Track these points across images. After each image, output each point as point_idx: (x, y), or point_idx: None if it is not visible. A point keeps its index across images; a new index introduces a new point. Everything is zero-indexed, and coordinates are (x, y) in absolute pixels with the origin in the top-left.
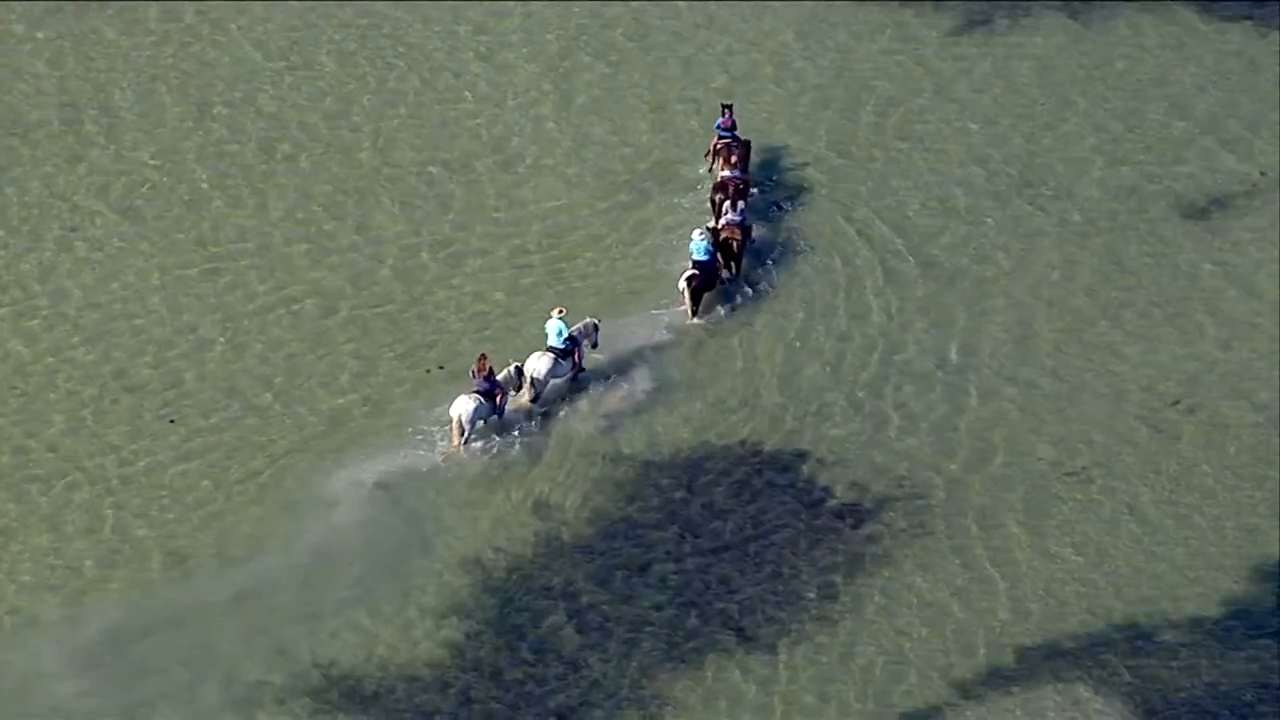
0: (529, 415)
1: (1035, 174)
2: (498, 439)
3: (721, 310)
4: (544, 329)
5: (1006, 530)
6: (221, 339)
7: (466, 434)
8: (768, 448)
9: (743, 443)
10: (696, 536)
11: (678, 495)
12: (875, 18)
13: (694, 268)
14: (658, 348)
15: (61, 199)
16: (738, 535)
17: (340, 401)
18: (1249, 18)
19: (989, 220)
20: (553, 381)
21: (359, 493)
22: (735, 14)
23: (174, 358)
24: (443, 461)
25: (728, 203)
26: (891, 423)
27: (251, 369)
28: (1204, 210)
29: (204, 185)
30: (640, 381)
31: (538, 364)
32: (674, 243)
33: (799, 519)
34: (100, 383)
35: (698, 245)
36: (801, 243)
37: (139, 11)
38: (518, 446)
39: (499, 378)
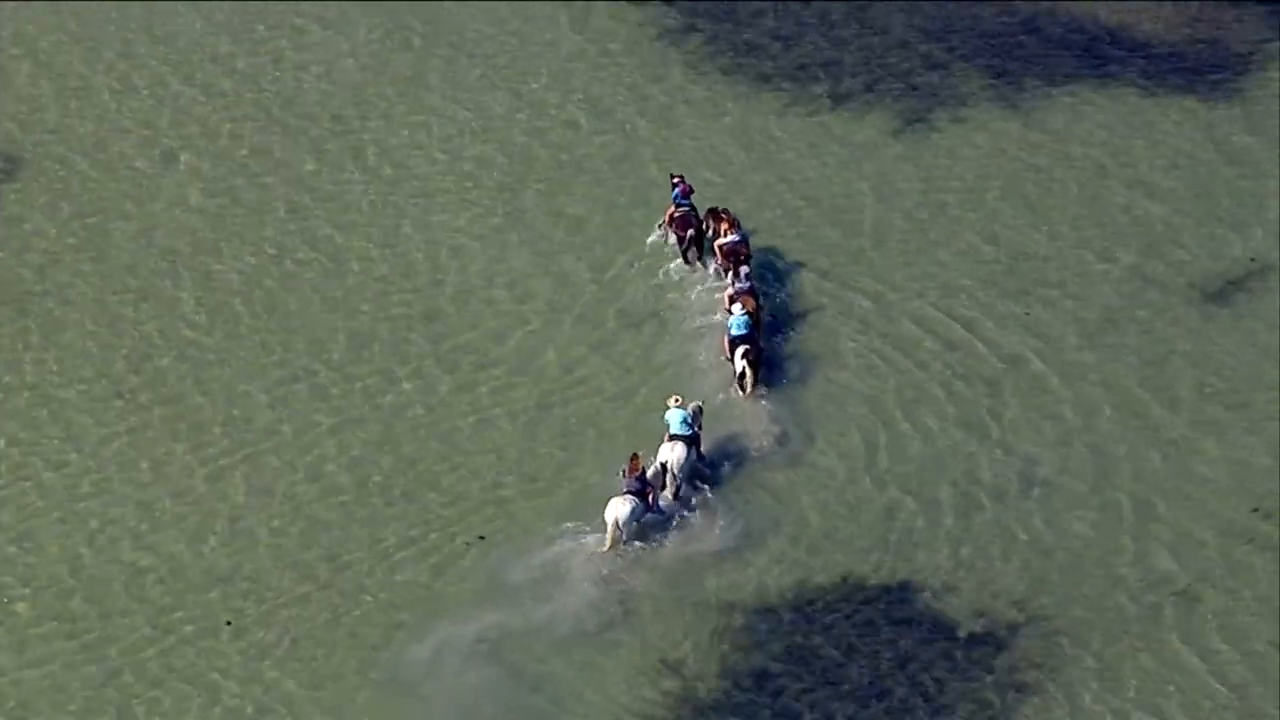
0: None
1: (1035, 270)
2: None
3: (765, 440)
4: (664, 420)
5: (1144, 649)
6: (261, 522)
7: (623, 536)
8: (871, 581)
9: (844, 579)
10: (832, 682)
11: (799, 639)
12: (808, 127)
13: (743, 342)
14: (719, 482)
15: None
16: (876, 675)
17: (406, 573)
18: (1192, 92)
19: (1006, 323)
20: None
21: (467, 660)
22: (677, 135)
23: (217, 546)
24: (597, 558)
25: (731, 273)
26: (984, 545)
27: (299, 548)
28: (1219, 295)
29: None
30: (715, 521)
31: (674, 454)
32: (687, 372)
33: (932, 653)
34: (157, 576)
35: (739, 320)
36: (817, 360)
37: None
38: (612, 600)
39: (648, 475)
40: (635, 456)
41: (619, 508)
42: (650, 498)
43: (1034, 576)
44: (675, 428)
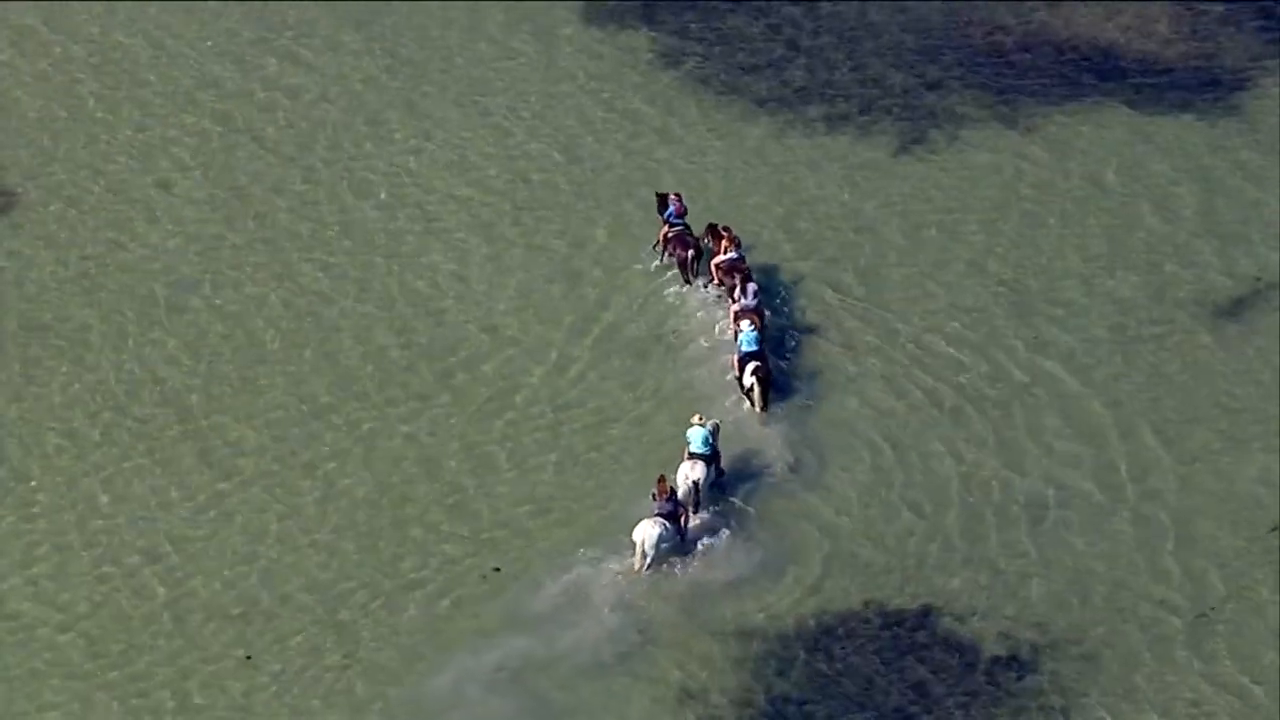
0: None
1: (1040, 291)
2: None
3: (780, 464)
4: (685, 437)
5: (1174, 669)
6: (275, 557)
7: (650, 559)
8: (893, 607)
9: (866, 604)
10: (862, 709)
11: (823, 667)
12: (805, 149)
13: (753, 359)
14: (730, 511)
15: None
16: (906, 702)
17: (424, 604)
18: (1190, 109)
19: (1016, 345)
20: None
21: (488, 690)
22: (675, 158)
23: (239, 576)
24: (624, 581)
25: (737, 289)
26: (1004, 568)
27: (313, 582)
28: (1230, 313)
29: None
30: (728, 549)
31: (694, 472)
32: (693, 394)
33: (960, 678)
34: (174, 613)
35: (748, 336)
36: (827, 383)
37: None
38: (631, 627)
39: (679, 496)
40: (662, 479)
41: (648, 530)
42: (683, 519)
43: (1055, 599)
44: (696, 446)
